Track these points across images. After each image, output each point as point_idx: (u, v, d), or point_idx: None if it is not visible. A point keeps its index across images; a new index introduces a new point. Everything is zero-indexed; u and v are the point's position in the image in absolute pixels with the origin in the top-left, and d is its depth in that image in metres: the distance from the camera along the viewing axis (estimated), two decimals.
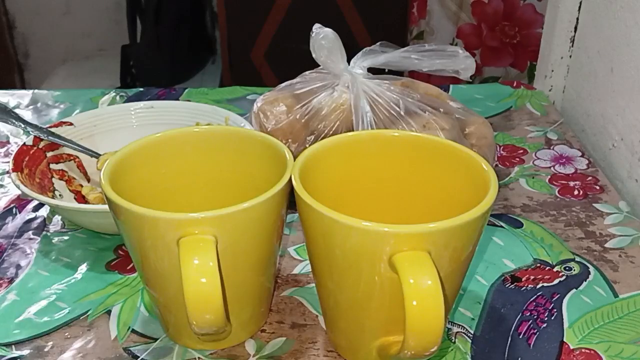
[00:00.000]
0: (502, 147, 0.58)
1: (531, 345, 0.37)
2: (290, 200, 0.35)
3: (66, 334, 0.38)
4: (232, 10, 1.42)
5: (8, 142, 0.59)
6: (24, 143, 0.48)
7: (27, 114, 0.64)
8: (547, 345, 0.37)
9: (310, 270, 0.37)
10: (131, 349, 0.37)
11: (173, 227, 0.31)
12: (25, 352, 0.37)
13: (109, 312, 0.40)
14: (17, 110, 0.65)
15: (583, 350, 0.36)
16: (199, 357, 0.36)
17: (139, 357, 0.36)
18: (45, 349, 0.37)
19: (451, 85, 0.70)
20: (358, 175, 0.38)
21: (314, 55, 0.47)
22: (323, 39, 0.46)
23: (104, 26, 1.86)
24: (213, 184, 0.39)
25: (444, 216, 0.30)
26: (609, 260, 0.43)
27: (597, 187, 0.51)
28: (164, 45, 1.62)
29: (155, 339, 0.38)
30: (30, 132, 0.50)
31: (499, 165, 0.55)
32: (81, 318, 0.39)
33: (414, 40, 1.30)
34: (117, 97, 0.68)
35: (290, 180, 0.33)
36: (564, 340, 0.37)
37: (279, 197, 0.33)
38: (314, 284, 0.40)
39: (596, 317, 0.39)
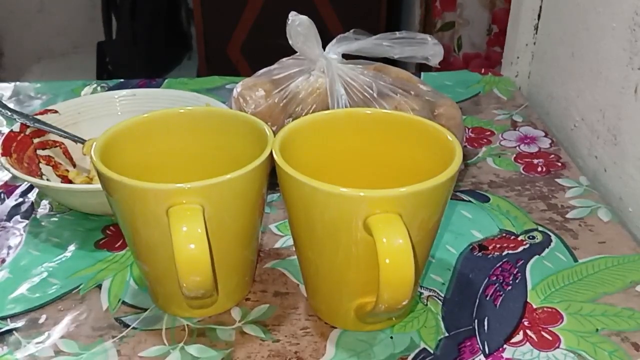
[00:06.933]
0: (470, 130, 0.60)
1: (497, 306, 0.39)
2: (271, 181, 0.37)
3: (59, 307, 0.40)
4: (207, 5, 1.43)
5: None
6: (11, 130, 0.50)
7: (10, 106, 0.65)
8: (512, 305, 0.40)
9: (292, 244, 0.40)
10: (122, 318, 0.39)
11: (162, 198, 0.33)
12: (21, 324, 0.39)
13: (99, 287, 0.41)
14: None
15: (545, 308, 0.39)
16: (187, 324, 0.38)
17: (130, 325, 0.38)
18: (40, 321, 0.39)
19: (422, 73, 0.72)
20: (334, 149, 0.40)
21: (290, 42, 0.50)
22: (299, 26, 0.49)
23: (79, 24, 1.86)
24: (198, 163, 0.42)
25: (414, 184, 0.32)
26: (570, 229, 0.47)
27: (559, 164, 0.55)
28: (140, 42, 1.63)
29: (146, 309, 0.40)
30: (17, 120, 0.51)
31: (468, 147, 0.58)
32: (73, 292, 0.41)
33: (438, 33, 1.31)
34: (99, 88, 0.69)
35: (270, 156, 0.36)
36: (528, 300, 0.40)
37: (260, 169, 0.35)
38: (294, 256, 0.43)
39: (557, 280, 0.42)
